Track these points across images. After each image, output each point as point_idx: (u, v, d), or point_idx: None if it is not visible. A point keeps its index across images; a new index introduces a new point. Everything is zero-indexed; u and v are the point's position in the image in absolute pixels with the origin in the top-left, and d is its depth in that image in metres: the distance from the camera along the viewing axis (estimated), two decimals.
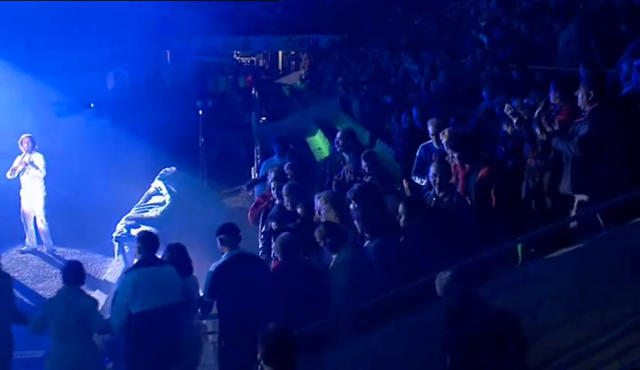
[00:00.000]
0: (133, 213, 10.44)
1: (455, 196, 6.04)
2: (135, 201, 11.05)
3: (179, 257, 6.37)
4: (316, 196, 6.44)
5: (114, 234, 9.98)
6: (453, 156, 6.23)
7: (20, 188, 10.73)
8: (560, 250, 5.40)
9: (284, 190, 7.10)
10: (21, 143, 10.65)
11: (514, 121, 6.45)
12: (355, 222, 5.75)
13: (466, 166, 6.10)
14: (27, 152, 10.65)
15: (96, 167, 12.52)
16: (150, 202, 10.89)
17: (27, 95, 14.22)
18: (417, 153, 7.40)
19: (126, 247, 9.91)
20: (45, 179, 10.72)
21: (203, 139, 15.47)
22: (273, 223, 6.95)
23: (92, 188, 11.98)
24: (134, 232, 9.84)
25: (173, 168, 12.35)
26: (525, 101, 6.64)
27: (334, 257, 5.63)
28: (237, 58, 34.27)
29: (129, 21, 20.43)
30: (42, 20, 16.98)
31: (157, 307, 6.01)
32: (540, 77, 8.99)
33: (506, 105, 6.62)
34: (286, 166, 7.91)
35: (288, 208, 6.92)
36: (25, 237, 11.00)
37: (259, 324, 6.04)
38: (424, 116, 8.24)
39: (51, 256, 10.88)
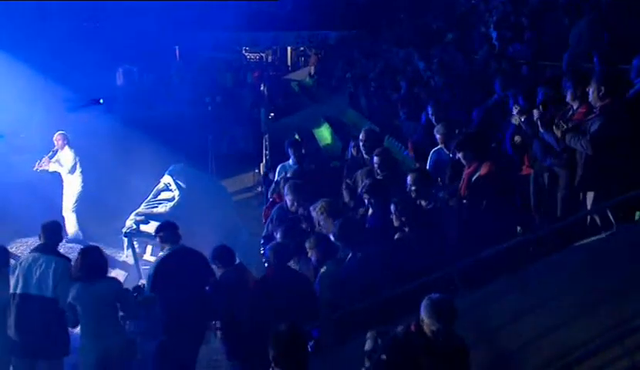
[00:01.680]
0: (142, 208, 10.46)
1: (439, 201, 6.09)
2: (144, 197, 11.08)
3: (89, 261, 6.14)
4: (311, 208, 6.38)
5: (123, 230, 10.01)
6: (458, 156, 6.22)
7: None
8: (571, 246, 5.38)
9: (286, 189, 7.07)
10: (55, 140, 11.25)
11: (522, 119, 6.43)
12: (336, 240, 5.73)
13: (472, 165, 6.07)
14: (59, 149, 11.25)
15: (106, 163, 12.55)
16: (159, 198, 10.91)
17: (36, 91, 14.27)
18: (429, 159, 7.31)
19: (135, 243, 9.95)
20: (83, 175, 11.24)
21: (211, 135, 15.49)
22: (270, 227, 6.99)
23: (101, 183, 12.02)
24: (143, 228, 9.87)
25: (182, 163, 12.37)
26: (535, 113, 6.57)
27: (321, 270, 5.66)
28: (246, 54, 34.27)
29: (137, 17, 20.46)
30: (51, 17, 17.04)
31: (20, 292, 6.15)
32: (550, 73, 8.95)
33: (515, 106, 6.60)
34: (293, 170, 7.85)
35: (292, 209, 6.87)
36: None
37: (200, 317, 6.14)
38: (439, 113, 8.07)
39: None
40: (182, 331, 6.24)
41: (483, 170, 5.93)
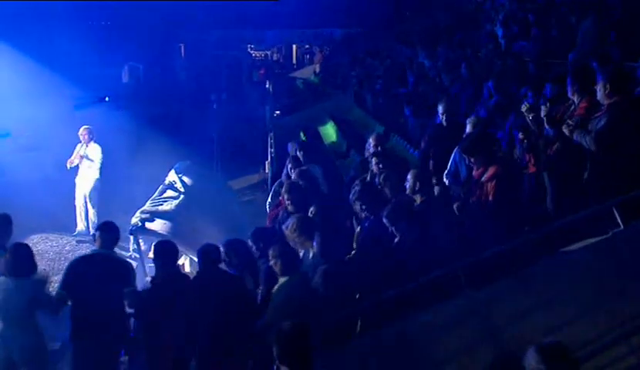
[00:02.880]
0: (147, 206, 10.46)
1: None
2: (149, 194, 11.10)
3: (11, 258, 6.09)
4: (283, 226, 6.23)
5: (128, 227, 10.01)
6: (470, 160, 6.19)
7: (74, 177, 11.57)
8: (576, 244, 5.36)
9: (283, 188, 6.93)
10: (80, 135, 11.46)
11: (530, 117, 6.42)
12: (314, 243, 5.67)
13: (480, 168, 6.04)
14: (85, 143, 11.45)
15: (112, 160, 12.58)
16: (165, 195, 10.91)
17: (42, 89, 14.33)
18: (452, 155, 7.08)
19: (140, 240, 9.97)
20: (101, 170, 11.49)
21: (216, 133, 15.52)
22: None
23: (106, 180, 12.06)
24: (149, 225, 9.88)
25: (188, 161, 12.39)
26: (542, 102, 6.55)
27: (280, 279, 5.50)
28: (252, 52, 34.28)
29: (143, 15, 20.52)
30: (58, 15, 17.07)
31: None
32: (557, 71, 8.93)
33: (524, 104, 6.60)
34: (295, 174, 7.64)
35: (290, 209, 6.70)
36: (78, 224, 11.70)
37: (108, 323, 6.03)
38: (450, 112, 7.77)
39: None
40: (89, 338, 6.09)
41: (489, 172, 5.92)
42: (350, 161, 12.80)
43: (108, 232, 6.40)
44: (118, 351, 6.42)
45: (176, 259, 6.42)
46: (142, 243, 10.02)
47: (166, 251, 6.23)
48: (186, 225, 9.55)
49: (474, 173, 6.13)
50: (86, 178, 11.49)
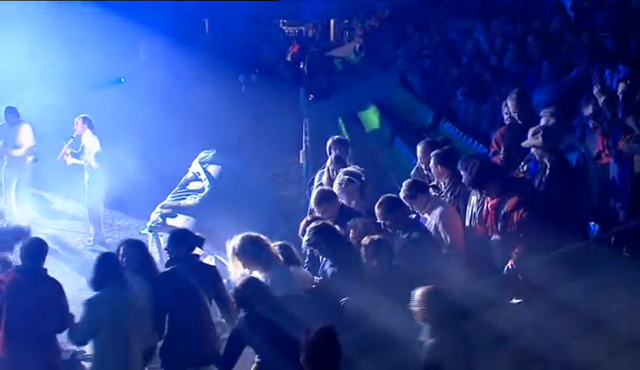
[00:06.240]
0: (168, 200, 10.58)
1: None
2: (170, 188, 11.24)
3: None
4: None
5: (148, 224, 10.12)
6: (482, 193, 6.12)
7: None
8: None
9: (311, 197, 7.14)
10: (75, 125, 11.03)
11: (601, 100, 6.34)
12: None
13: (495, 198, 5.98)
14: (79, 134, 11.01)
15: (129, 148, 12.74)
16: (188, 188, 11.06)
17: (53, 70, 14.58)
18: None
19: (161, 238, 10.09)
20: (104, 162, 11.06)
21: (245, 118, 15.61)
22: None
23: (124, 170, 12.23)
24: (170, 222, 9.99)
25: (213, 150, 12.50)
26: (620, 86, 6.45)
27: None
28: (284, 27, 34.36)
29: None
30: None
31: None
32: (635, 47, 8.76)
33: (595, 85, 6.52)
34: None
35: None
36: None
37: None
38: (524, 106, 7.13)
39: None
40: None
41: (508, 207, 5.84)
42: (395, 150, 12.81)
43: None
44: None
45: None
46: (162, 241, 10.15)
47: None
48: (212, 220, 9.64)
49: (489, 204, 6.05)
50: (89, 177, 11.09)
